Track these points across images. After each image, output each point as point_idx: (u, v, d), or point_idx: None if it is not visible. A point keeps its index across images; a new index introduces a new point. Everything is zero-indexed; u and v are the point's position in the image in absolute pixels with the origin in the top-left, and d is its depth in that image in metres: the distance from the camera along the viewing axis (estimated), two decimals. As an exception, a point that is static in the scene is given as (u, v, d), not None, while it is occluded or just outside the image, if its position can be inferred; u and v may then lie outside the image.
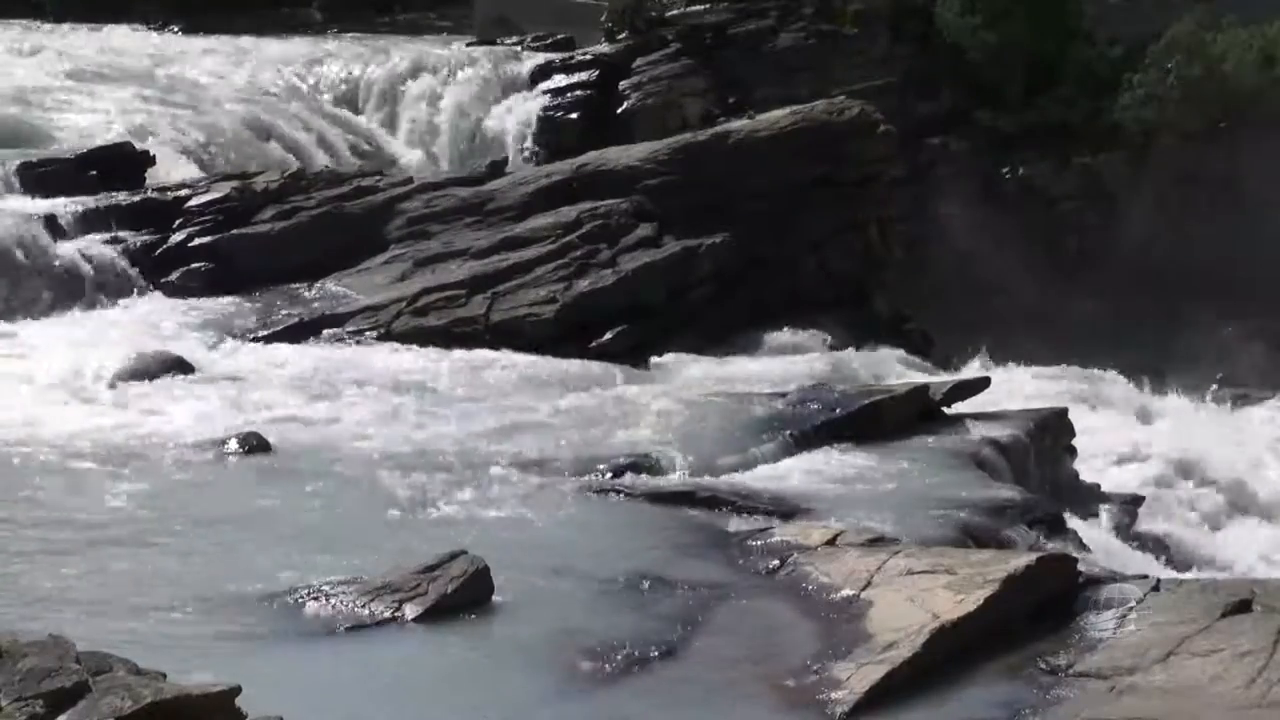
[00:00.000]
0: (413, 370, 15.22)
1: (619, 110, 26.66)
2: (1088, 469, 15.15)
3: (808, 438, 12.90)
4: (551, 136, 26.00)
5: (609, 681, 7.95)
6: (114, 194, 19.10)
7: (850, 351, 17.94)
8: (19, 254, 17.51)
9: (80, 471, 11.26)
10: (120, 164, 20.14)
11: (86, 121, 22.61)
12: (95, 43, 29.64)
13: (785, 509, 10.93)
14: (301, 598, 8.76)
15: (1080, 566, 9.42)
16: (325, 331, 16.58)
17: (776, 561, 9.67)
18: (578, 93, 26.90)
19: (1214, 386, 20.38)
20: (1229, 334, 24.24)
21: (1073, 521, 12.53)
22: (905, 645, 8.10)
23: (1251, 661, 7.91)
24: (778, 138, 20.22)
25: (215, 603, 8.72)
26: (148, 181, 20.08)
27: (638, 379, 15.64)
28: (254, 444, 12.05)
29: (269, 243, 18.42)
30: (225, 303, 17.44)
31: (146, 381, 14.06)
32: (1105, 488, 14.87)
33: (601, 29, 28.91)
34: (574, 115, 26.50)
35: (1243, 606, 8.66)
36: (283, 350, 15.79)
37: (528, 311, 17.05)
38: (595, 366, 15.97)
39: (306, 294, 17.63)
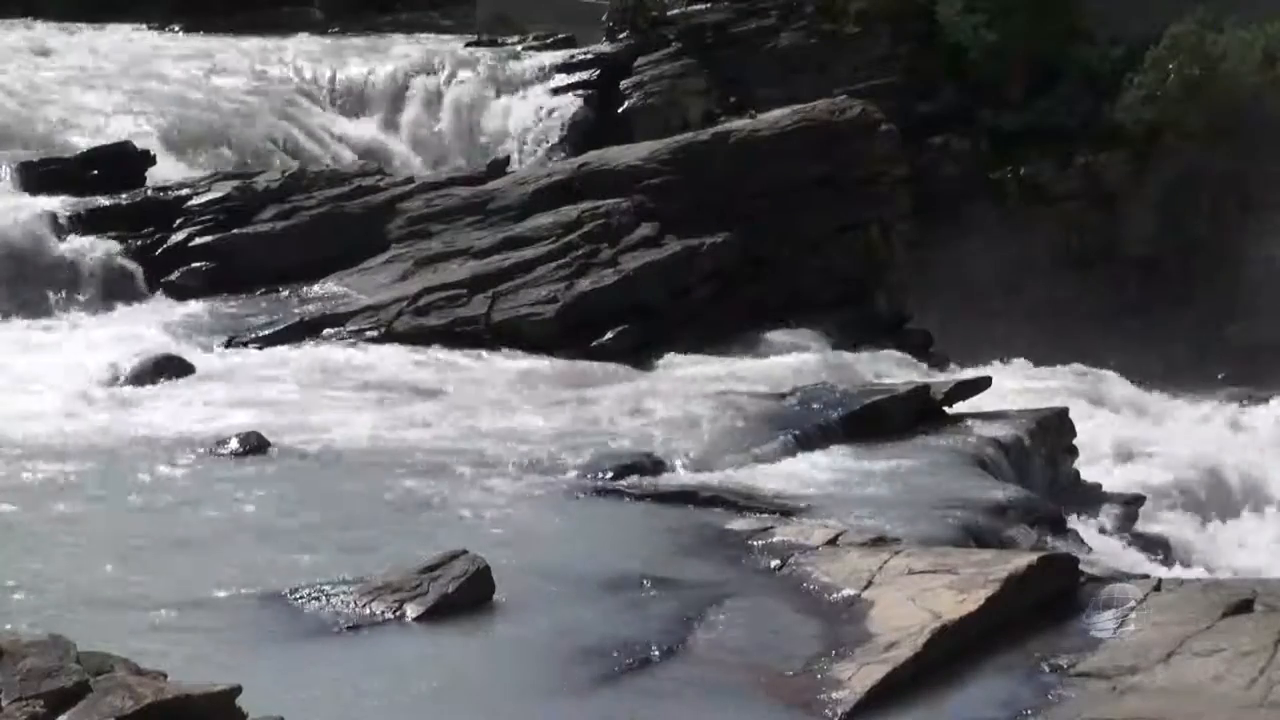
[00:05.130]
0: (414, 370, 15.22)
1: (620, 109, 26.63)
2: (1088, 469, 15.13)
3: (808, 437, 12.90)
4: (553, 136, 25.98)
5: (609, 681, 7.93)
6: (114, 194, 19.11)
7: (851, 352, 17.92)
8: (19, 254, 17.51)
9: (79, 471, 11.24)
10: (120, 164, 20.12)
11: (87, 121, 22.60)
12: (96, 42, 29.64)
13: (786, 509, 10.92)
14: (301, 598, 8.75)
15: (1082, 566, 9.42)
16: (326, 331, 16.57)
17: (777, 561, 9.66)
18: (579, 92, 26.88)
19: (1216, 387, 20.37)
20: (1231, 333, 24.25)
21: (1074, 521, 12.54)
22: (906, 645, 8.09)
23: (1254, 661, 7.90)
24: (779, 137, 20.19)
25: (215, 603, 8.71)
26: (148, 181, 20.07)
27: (638, 379, 15.63)
28: (254, 444, 12.04)
29: (270, 242, 18.42)
30: (226, 302, 17.45)
31: (146, 381, 14.08)
32: (1106, 488, 14.85)
33: (603, 28, 28.90)
34: (575, 114, 26.48)
35: (1244, 606, 8.66)
36: (283, 350, 15.78)
37: (529, 311, 17.04)
38: (596, 366, 15.97)
39: (307, 293, 17.64)
